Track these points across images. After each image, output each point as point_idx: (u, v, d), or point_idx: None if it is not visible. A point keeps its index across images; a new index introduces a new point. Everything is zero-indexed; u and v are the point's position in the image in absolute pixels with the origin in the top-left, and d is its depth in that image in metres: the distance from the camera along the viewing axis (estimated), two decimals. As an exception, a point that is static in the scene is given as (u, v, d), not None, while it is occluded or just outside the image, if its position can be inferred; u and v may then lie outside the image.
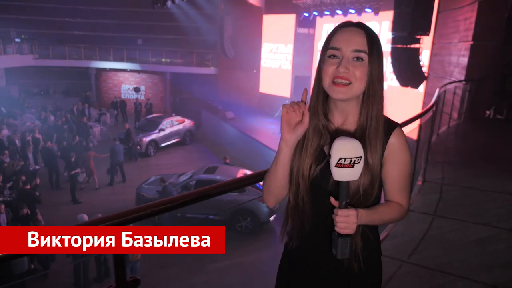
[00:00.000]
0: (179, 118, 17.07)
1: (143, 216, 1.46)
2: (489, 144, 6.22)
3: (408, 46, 8.27)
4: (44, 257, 6.96)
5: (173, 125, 16.37)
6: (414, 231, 2.98)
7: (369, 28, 1.16)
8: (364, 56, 1.12)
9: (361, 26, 1.16)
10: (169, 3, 13.98)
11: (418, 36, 8.17)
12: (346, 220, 1.09)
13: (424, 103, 10.40)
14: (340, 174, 1.07)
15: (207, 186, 1.66)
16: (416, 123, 3.72)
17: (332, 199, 1.14)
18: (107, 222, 1.37)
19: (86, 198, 10.96)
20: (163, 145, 15.76)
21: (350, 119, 1.22)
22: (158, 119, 16.58)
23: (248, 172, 10.04)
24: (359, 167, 1.07)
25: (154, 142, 15.39)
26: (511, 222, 3.17)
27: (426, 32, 8.11)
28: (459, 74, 8.14)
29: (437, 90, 5.05)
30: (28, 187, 8.53)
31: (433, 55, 9.75)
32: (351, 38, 1.13)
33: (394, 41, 8.50)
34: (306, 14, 16.02)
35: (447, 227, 3.07)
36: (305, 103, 1.18)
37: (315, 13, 15.54)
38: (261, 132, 14.86)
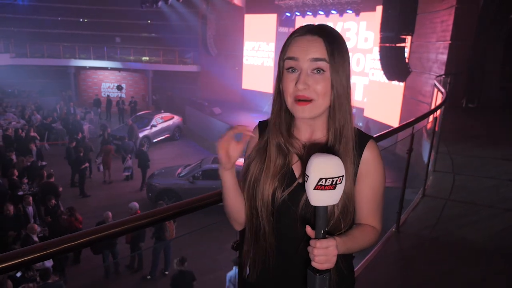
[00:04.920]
0: (168, 114, 17.62)
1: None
2: (469, 126, 7.62)
3: (395, 45, 9.53)
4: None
5: (163, 121, 16.93)
6: (445, 182, 4.13)
7: (329, 33, 1.02)
8: (325, 65, 0.99)
9: (318, 32, 1.01)
10: (160, 3, 14.46)
11: (403, 36, 9.45)
12: (326, 253, 0.91)
13: (404, 96, 11.79)
14: (319, 198, 0.90)
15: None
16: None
17: (309, 229, 0.95)
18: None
19: (93, 191, 11.42)
20: (154, 140, 16.30)
21: (318, 134, 1.10)
22: (148, 115, 17.06)
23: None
24: (340, 188, 0.91)
25: (147, 138, 15.87)
26: (508, 176, 4.37)
27: (410, 32, 9.40)
28: (438, 69, 9.51)
29: (435, 83, 6.24)
30: (52, 179, 8.97)
31: (411, 52, 11.10)
32: (308, 47, 1.00)
33: (382, 40, 9.73)
34: (288, 14, 17.02)
35: (466, 180, 4.25)
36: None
37: (297, 13, 16.57)
38: (249, 125, 15.70)
